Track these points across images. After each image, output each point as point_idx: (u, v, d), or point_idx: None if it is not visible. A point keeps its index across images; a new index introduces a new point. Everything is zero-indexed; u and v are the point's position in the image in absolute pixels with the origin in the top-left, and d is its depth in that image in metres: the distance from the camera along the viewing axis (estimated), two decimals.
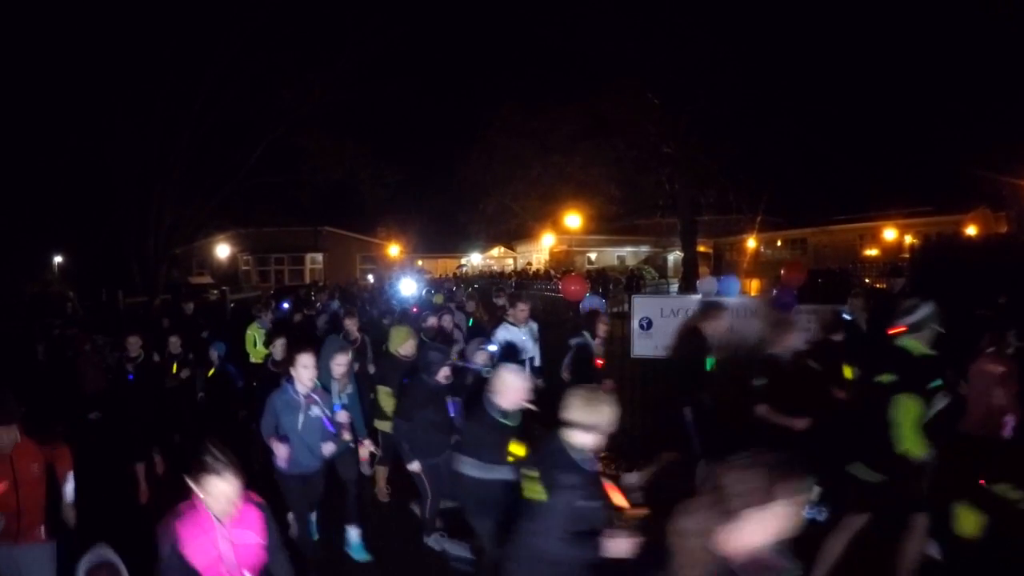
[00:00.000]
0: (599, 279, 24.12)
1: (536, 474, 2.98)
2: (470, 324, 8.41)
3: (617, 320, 9.62)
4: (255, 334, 8.53)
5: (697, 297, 8.85)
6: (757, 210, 28.32)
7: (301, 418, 4.38)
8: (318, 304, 12.56)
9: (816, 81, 23.10)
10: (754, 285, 19.58)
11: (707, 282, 8.72)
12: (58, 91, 19.97)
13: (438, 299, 10.94)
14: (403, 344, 5.81)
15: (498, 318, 7.81)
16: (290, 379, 4.45)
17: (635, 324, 8.68)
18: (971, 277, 9.23)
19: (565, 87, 26.53)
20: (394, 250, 40.33)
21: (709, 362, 5.74)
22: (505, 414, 4.10)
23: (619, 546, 2.83)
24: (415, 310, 9.73)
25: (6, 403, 3.54)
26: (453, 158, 34.62)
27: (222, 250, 35.12)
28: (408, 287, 15.01)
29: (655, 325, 8.75)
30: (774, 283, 13.34)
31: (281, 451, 4.30)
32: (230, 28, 21.05)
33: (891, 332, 4.07)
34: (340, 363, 5.14)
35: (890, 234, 31.13)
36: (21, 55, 19.28)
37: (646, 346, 8.85)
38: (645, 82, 23.90)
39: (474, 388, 5.38)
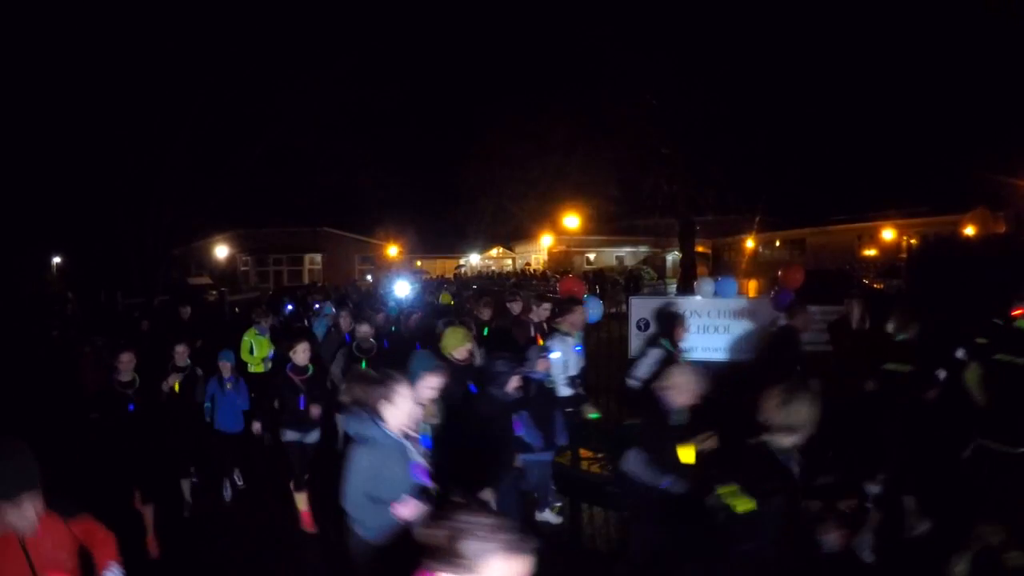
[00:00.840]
0: (596, 279, 24.15)
1: (734, 487, 2.87)
2: (484, 333, 7.31)
3: (615, 321, 9.63)
4: (252, 340, 8.13)
5: (697, 299, 8.86)
6: (755, 210, 28.33)
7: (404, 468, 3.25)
8: (315, 306, 12.22)
9: (814, 81, 23.11)
10: (751, 286, 19.63)
11: (704, 283, 8.71)
12: (57, 92, 19.97)
13: (445, 298, 10.21)
14: (459, 347, 5.08)
15: (523, 324, 7.03)
16: (370, 414, 3.23)
17: (632, 325, 8.70)
18: (969, 277, 9.25)
19: (563, 88, 26.53)
20: (393, 251, 40.36)
21: None
22: (677, 413, 3.90)
23: (835, 540, 2.86)
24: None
25: (25, 466, 2.49)
26: (452, 159, 34.63)
27: (221, 251, 35.15)
28: (402, 288, 14.37)
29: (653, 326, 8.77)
30: (772, 284, 13.37)
31: (408, 509, 3.08)
32: (230, 28, 21.06)
33: (1013, 314, 4.52)
34: (432, 386, 4.02)
35: (888, 234, 31.21)
36: (21, 56, 19.27)
37: None
38: (643, 83, 23.89)
39: (539, 399, 5.12)
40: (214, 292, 22.95)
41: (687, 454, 3.79)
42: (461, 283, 28.04)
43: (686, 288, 22.92)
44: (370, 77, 24.12)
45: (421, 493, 3.18)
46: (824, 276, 17.53)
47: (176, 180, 22.57)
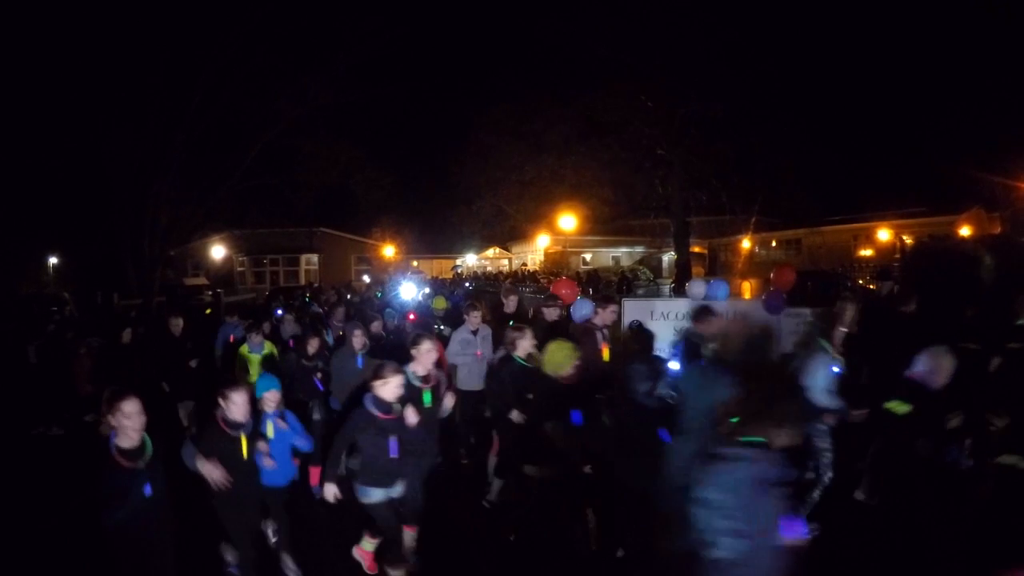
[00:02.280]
0: (590, 280, 24.16)
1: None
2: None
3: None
4: (245, 359, 7.17)
5: (688, 300, 8.86)
6: (751, 211, 28.39)
7: None
8: (278, 313, 10.82)
9: (810, 82, 23.25)
10: (746, 286, 19.64)
11: (696, 285, 8.71)
12: (54, 93, 19.94)
13: (438, 303, 9.21)
14: (565, 365, 4.58)
15: (590, 332, 6.08)
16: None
17: (625, 328, 8.69)
18: (963, 278, 9.27)
19: (559, 89, 26.62)
20: (389, 251, 40.36)
21: None
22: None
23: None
24: (412, 317, 8.43)
25: None
26: (447, 160, 34.72)
27: (217, 251, 35.02)
28: (408, 291, 13.86)
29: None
30: (765, 285, 13.39)
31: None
32: (226, 30, 21.05)
33: None
34: None
35: (884, 235, 31.26)
36: (18, 56, 19.24)
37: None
38: (639, 84, 23.96)
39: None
40: (210, 293, 22.93)
41: None
42: (459, 285, 27.98)
43: (681, 289, 22.98)
44: (367, 78, 24.17)
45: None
46: (816, 277, 17.58)
47: (172, 180, 22.55)
